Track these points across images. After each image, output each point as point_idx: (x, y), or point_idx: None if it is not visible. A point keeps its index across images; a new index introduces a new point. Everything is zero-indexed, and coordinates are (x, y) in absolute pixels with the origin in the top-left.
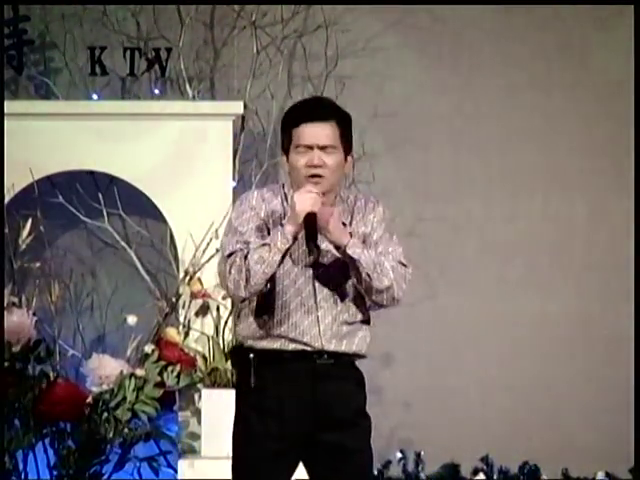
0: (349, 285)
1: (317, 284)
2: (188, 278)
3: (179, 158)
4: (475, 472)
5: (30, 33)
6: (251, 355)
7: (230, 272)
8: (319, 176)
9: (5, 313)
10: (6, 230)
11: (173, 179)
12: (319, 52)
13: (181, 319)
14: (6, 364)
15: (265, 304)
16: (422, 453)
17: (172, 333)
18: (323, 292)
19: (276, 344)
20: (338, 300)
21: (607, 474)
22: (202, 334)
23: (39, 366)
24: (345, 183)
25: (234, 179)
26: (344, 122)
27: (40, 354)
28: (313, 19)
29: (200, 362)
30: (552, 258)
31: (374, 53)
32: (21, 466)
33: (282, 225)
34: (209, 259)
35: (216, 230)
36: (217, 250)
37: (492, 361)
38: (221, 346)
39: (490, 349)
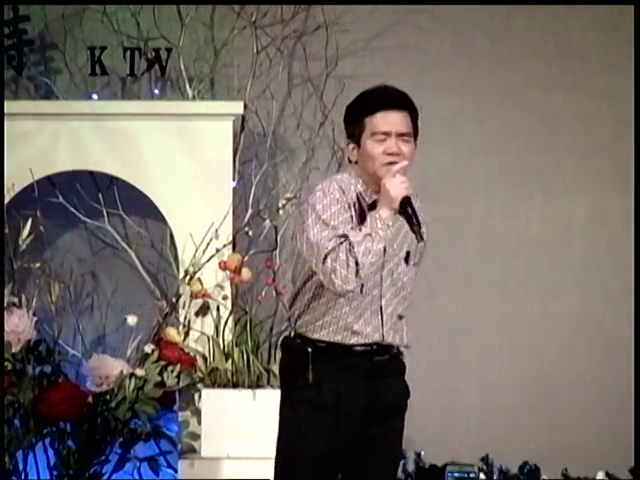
0: (409, 278)
1: (384, 273)
2: (188, 278)
3: (179, 158)
4: None
5: (30, 33)
6: (309, 349)
7: (336, 269)
8: (396, 164)
9: (5, 313)
10: (6, 230)
11: (173, 179)
12: (319, 52)
13: (181, 319)
14: (6, 364)
15: (322, 292)
16: (422, 453)
17: (172, 333)
18: (387, 282)
19: (337, 337)
20: (396, 292)
21: (607, 474)
22: (202, 334)
23: (39, 366)
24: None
25: (234, 179)
26: (414, 110)
27: (40, 354)
28: (313, 19)
29: (200, 362)
30: (552, 258)
31: (374, 53)
32: (21, 466)
33: (364, 211)
34: (209, 259)
35: (216, 230)
36: (217, 250)
37: (492, 361)
38: (221, 346)
39: (490, 349)
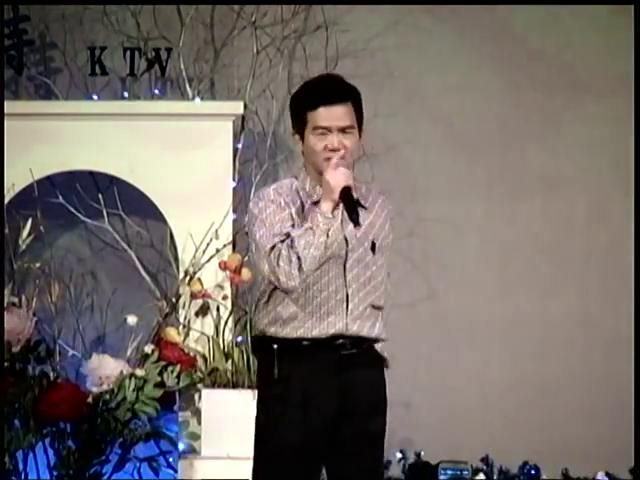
0: (378, 267)
1: (348, 264)
2: (188, 278)
3: (179, 158)
4: (475, 472)
5: (30, 33)
6: (275, 346)
7: (279, 265)
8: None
9: (5, 313)
10: (6, 230)
11: (173, 179)
12: (319, 52)
13: (181, 319)
14: (6, 364)
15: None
16: (422, 453)
17: (172, 333)
18: (352, 272)
19: (300, 331)
20: (365, 282)
21: (607, 474)
22: (202, 334)
23: (39, 366)
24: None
25: (234, 179)
26: (358, 100)
27: (40, 354)
28: (313, 19)
29: (200, 362)
30: (552, 258)
31: (374, 53)
32: (21, 466)
33: (307, 207)
34: (209, 259)
35: (216, 230)
36: (217, 250)
37: (492, 361)
38: (221, 346)
39: (490, 349)
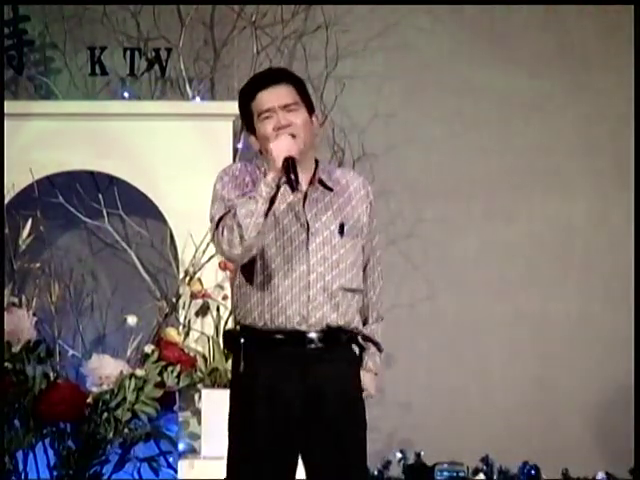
0: (347, 250)
1: (311, 247)
2: (188, 278)
3: (179, 158)
4: (475, 472)
5: (30, 33)
6: (242, 340)
7: (223, 234)
8: (291, 135)
9: (5, 313)
10: (6, 230)
11: (173, 179)
12: (319, 52)
13: (181, 319)
14: (6, 364)
15: (251, 276)
16: (422, 453)
17: (172, 333)
18: (317, 256)
19: (265, 316)
20: (332, 265)
21: (607, 474)
22: (202, 334)
23: (39, 366)
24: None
25: None
26: (298, 83)
27: (40, 354)
28: (313, 19)
29: (200, 362)
30: (552, 258)
31: (374, 53)
32: (21, 466)
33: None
34: (209, 259)
35: None
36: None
37: (492, 361)
38: (221, 346)
39: (490, 349)
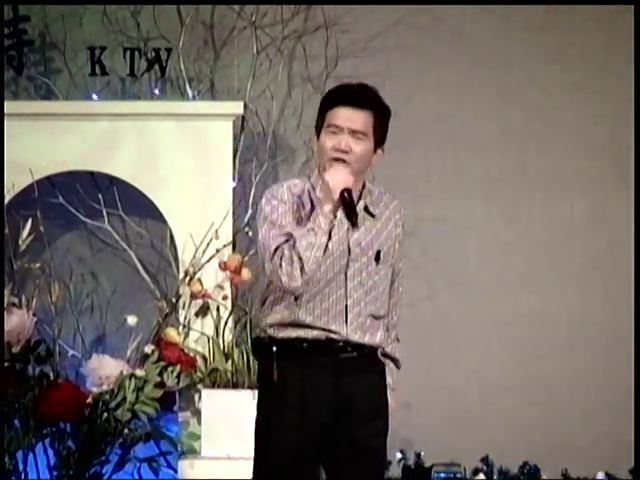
0: (380, 277)
1: (349, 272)
2: (188, 278)
3: (179, 158)
4: (475, 472)
5: (30, 33)
6: (274, 348)
7: (281, 265)
8: (343, 161)
9: (5, 313)
10: (6, 230)
11: (173, 179)
12: (319, 52)
13: (181, 319)
14: (6, 364)
15: (290, 296)
16: (422, 453)
17: (172, 333)
18: (354, 281)
19: (299, 332)
20: (367, 292)
21: (607, 474)
22: (202, 334)
23: (39, 366)
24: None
25: (234, 179)
26: (382, 114)
27: (40, 354)
28: (313, 19)
29: (200, 362)
30: (552, 258)
31: (374, 53)
32: (21, 466)
33: (315, 208)
34: (209, 259)
35: (216, 230)
36: (217, 251)
37: (492, 361)
38: (221, 346)
39: (490, 349)
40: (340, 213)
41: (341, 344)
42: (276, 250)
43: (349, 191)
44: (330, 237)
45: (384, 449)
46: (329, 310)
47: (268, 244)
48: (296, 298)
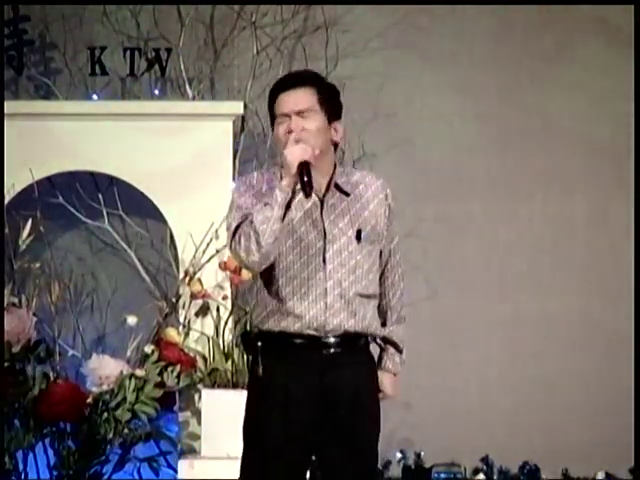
0: (363, 256)
1: (327, 255)
2: (188, 278)
3: (179, 158)
4: (475, 472)
5: (30, 33)
6: (259, 343)
7: (240, 242)
8: (296, 141)
9: (5, 313)
10: (6, 230)
11: (173, 179)
12: (319, 52)
13: (181, 319)
14: (6, 364)
15: (269, 283)
16: (422, 453)
17: (172, 333)
18: (334, 263)
19: (282, 323)
20: (349, 271)
21: (607, 474)
22: (202, 334)
23: (39, 366)
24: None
25: (234, 179)
26: (323, 87)
27: (40, 354)
28: (313, 19)
29: (200, 362)
30: (552, 258)
31: (374, 53)
32: (21, 466)
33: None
34: (209, 259)
35: (216, 230)
36: (217, 251)
37: (492, 361)
38: (221, 346)
39: (490, 349)
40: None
41: (328, 340)
42: (236, 229)
43: (307, 164)
44: (289, 209)
45: (376, 441)
46: (308, 294)
47: (230, 225)
48: (274, 284)
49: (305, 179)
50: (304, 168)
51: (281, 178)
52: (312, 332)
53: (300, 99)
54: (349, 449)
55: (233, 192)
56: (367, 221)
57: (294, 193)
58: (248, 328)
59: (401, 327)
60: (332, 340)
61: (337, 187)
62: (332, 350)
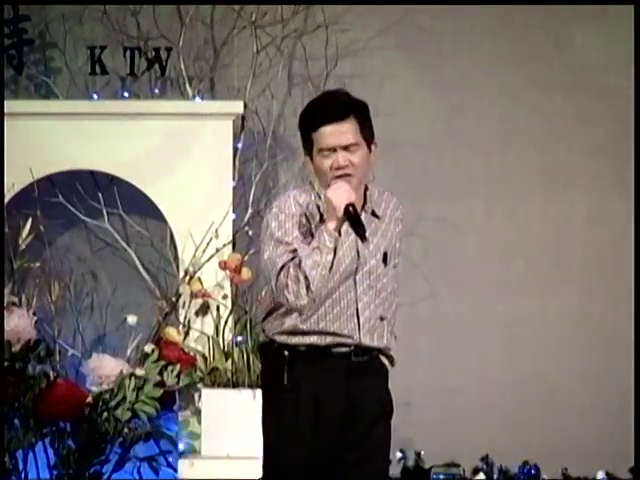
0: (388, 279)
1: (358, 276)
2: (188, 278)
3: (179, 158)
4: (475, 472)
5: (30, 33)
6: (286, 352)
7: (287, 284)
8: (347, 175)
9: (5, 313)
10: (6, 230)
11: (173, 179)
12: (319, 52)
13: (181, 319)
14: (6, 364)
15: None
16: (422, 453)
17: (172, 333)
18: (363, 285)
19: (312, 338)
20: (376, 294)
21: (607, 474)
22: (202, 334)
23: (39, 366)
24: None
25: (234, 179)
26: (362, 114)
27: (40, 354)
28: (313, 19)
29: (200, 362)
30: (552, 258)
31: (374, 53)
32: (21, 466)
33: (322, 223)
34: (209, 258)
35: (216, 230)
36: (217, 250)
37: (492, 361)
38: (221, 346)
39: (490, 349)
40: (346, 226)
41: (353, 348)
42: (282, 268)
43: (353, 205)
44: (335, 254)
45: (387, 449)
46: (340, 315)
47: (274, 262)
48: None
49: (358, 226)
50: (351, 210)
51: (321, 215)
52: (342, 349)
53: (345, 134)
54: (365, 453)
55: (269, 220)
56: (390, 243)
57: (339, 234)
58: (264, 340)
59: (393, 341)
60: (358, 349)
61: (372, 213)
62: (358, 359)
